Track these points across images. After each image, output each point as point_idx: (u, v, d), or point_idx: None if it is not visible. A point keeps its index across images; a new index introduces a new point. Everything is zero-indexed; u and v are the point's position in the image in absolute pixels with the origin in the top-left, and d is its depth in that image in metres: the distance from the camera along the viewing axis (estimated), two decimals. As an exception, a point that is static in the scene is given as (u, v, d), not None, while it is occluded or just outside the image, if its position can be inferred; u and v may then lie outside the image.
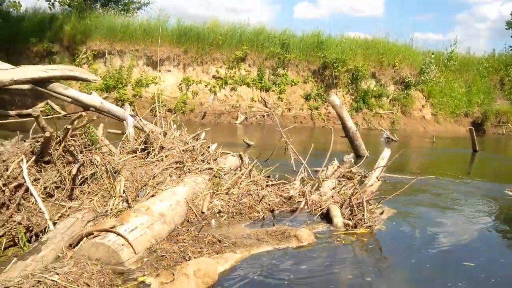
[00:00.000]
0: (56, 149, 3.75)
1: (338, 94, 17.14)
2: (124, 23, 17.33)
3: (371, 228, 4.00)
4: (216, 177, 4.98)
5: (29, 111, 14.99)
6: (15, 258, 2.78)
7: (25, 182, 3.40)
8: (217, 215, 4.13)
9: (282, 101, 17.35)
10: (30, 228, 3.28)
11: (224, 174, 5.17)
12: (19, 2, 15.07)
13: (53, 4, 15.90)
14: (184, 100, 16.83)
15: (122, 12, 18.93)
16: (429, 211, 5.02)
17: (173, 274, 2.74)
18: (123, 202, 3.78)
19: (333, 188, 5.12)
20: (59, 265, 2.70)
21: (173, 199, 3.91)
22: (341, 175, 6.04)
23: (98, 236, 3.00)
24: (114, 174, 3.97)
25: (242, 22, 18.53)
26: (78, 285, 2.52)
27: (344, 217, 4.13)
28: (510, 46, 23.11)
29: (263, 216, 4.26)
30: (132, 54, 16.99)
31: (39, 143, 3.59)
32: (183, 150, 5.15)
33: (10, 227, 3.21)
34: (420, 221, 4.51)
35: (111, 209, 3.65)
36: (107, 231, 3.02)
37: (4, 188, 3.32)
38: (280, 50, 17.39)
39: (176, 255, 3.06)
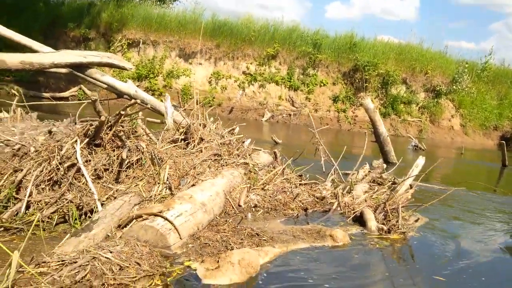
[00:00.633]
0: (107, 133, 3.91)
1: (364, 97, 17.05)
2: (160, 13, 17.59)
3: (405, 234, 4.05)
4: (251, 172, 5.10)
5: (65, 94, 15.38)
6: (68, 234, 2.95)
7: (77, 162, 3.57)
8: (253, 209, 4.24)
9: (309, 101, 17.36)
10: (80, 207, 3.46)
11: (259, 170, 5.28)
12: (61, -12, 15.46)
13: (95, -10, 16.24)
14: (213, 94, 16.99)
15: (158, 2, 19.18)
16: (461, 223, 5.04)
17: (218, 262, 2.86)
18: (166, 189, 3.92)
19: (365, 192, 5.17)
20: (111, 243, 2.85)
21: (213, 190, 4.03)
22: (372, 180, 6.07)
23: (147, 219, 3.15)
24: (159, 161, 4.12)
25: (276, 19, 18.59)
26: (129, 264, 2.66)
27: (378, 222, 4.19)
28: (547, 61, 22.52)
29: (297, 214, 4.36)
30: (166, 45, 17.23)
31: (93, 126, 3.76)
32: (220, 143, 5.27)
33: (62, 205, 3.39)
34: (452, 231, 4.54)
35: (155, 195, 3.80)
36: (155, 215, 3.17)
37: (58, 167, 3.49)
38: (312, 49, 17.39)
39: (218, 244, 3.19)
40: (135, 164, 4.08)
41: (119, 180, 3.86)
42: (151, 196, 3.76)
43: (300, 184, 5.13)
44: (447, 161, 12.36)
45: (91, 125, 3.83)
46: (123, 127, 4.18)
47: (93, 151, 3.83)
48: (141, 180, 3.95)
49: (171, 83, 16.93)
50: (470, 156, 13.81)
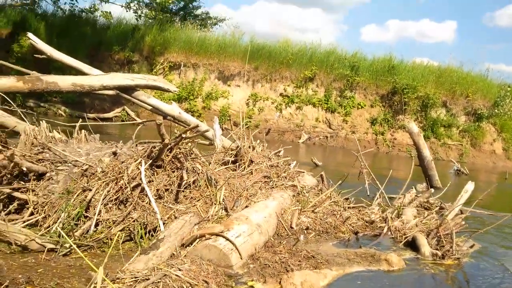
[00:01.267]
0: (167, 155, 4.10)
1: (406, 121, 16.89)
2: (201, 37, 18.12)
3: (459, 260, 4.02)
4: (299, 194, 5.19)
5: (109, 114, 15.92)
6: (138, 252, 3.10)
7: (142, 183, 3.76)
8: (305, 231, 4.31)
9: (346, 123, 17.34)
10: (144, 225, 3.63)
11: (306, 192, 5.36)
12: (110, 13, 16.19)
13: (140, 16, 16.92)
14: (250, 115, 17.23)
15: (199, 27, 19.78)
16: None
17: (280, 283, 2.95)
18: (222, 210, 4.06)
19: (415, 217, 5.15)
20: (179, 262, 2.99)
21: (266, 212, 4.14)
22: (419, 205, 6.03)
23: (209, 238, 3.28)
24: (215, 183, 4.27)
25: (314, 42, 18.80)
26: (198, 282, 2.78)
27: (431, 247, 4.17)
28: None
29: (348, 238, 4.39)
30: (206, 68, 17.68)
31: (156, 148, 3.95)
32: (269, 166, 5.40)
33: (128, 223, 3.57)
34: (506, 258, 4.45)
35: (212, 215, 3.93)
36: (217, 235, 3.29)
37: (125, 187, 3.69)
38: (350, 72, 17.45)
39: (278, 265, 3.27)
40: (192, 185, 4.24)
41: (178, 200, 4.02)
42: (208, 217, 3.90)
43: (348, 207, 5.16)
44: (491, 186, 12.03)
45: (153, 147, 4.02)
46: (180, 149, 4.36)
47: (154, 172, 4.02)
48: (198, 200, 4.10)
49: (210, 105, 17.30)
50: (515, 181, 13.38)
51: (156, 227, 3.63)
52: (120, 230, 3.51)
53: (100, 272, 2.34)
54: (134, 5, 16.32)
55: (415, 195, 6.41)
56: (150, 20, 18.32)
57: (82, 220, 3.49)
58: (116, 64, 17.67)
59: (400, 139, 16.83)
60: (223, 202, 4.12)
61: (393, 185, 6.95)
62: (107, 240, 3.39)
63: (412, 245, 4.30)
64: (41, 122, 4.70)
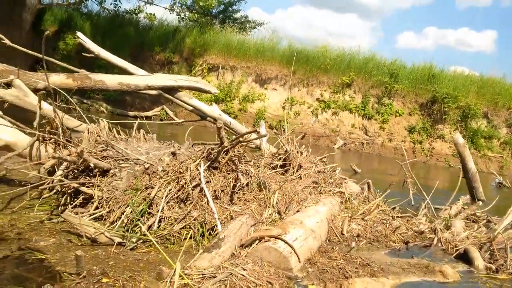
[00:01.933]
0: (223, 157, 4.21)
1: (445, 130, 16.57)
2: (240, 40, 18.30)
3: (514, 275, 3.96)
4: (347, 201, 5.22)
5: (148, 113, 16.25)
6: (201, 250, 3.21)
7: (201, 183, 3.88)
8: (356, 238, 4.33)
9: (383, 130, 17.15)
10: (203, 224, 3.74)
11: (353, 199, 5.38)
12: (154, 14, 16.57)
13: (182, 18, 17.24)
14: (286, 119, 17.25)
15: (238, 30, 19.98)
16: None
17: (340, 288, 2.99)
18: (275, 213, 4.14)
19: (464, 229, 5.09)
20: (241, 262, 3.08)
21: (318, 217, 4.19)
22: (466, 217, 5.94)
23: (269, 241, 3.36)
24: (268, 186, 4.35)
25: (352, 48, 18.70)
26: (262, 282, 2.86)
27: (484, 260, 4.12)
28: None
29: (399, 247, 4.39)
30: (243, 71, 17.84)
31: (215, 151, 4.07)
32: (317, 171, 5.44)
33: (189, 222, 3.69)
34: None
35: (266, 218, 4.02)
36: (276, 237, 3.37)
37: (186, 187, 3.81)
38: (388, 79, 17.26)
39: (335, 271, 3.32)
40: (245, 187, 4.34)
41: (233, 201, 4.12)
42: (262, 219, 3.98)
43: (397, 217, 5.15)
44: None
45: (211, 149, 4.14)
46: (233, 152, 4.46)
47: (211, 173, 4.13)
48: (252, 202, 4.19)
49: (246, 107, 17.45)
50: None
51: (214, 226, 3.74)
52: (181, 228, 3.63)
53: (177, 267, 2.45)
54: (177, 8, 16.61)
55: (461, 207, 6.32)
56: (191, 22, 18.62)
57: (146, 217, 3.63)
58: (156, 64, 18.06)
59: (438, 149, 16.50)
60: (276, 206, 4.19)
61: (434, 195, 6.87)
62: (169, 237, 3.52)
63: (464, 257, 4.26)
64: (101, 121, 4.90)
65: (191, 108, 11.12)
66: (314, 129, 17.35)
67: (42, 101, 6.79)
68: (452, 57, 62.87)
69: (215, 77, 18.06)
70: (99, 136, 4.44)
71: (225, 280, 2.76)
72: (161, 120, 15.49)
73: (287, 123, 7.17)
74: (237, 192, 4.22)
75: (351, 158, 15.17)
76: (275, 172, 5.18)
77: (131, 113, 15.73)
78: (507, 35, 63.21)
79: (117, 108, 15.75)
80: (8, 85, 7.82)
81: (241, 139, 4.11)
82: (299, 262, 3.33)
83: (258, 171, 4.71)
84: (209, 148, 4.21)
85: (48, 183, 3.77)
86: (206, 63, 17.95)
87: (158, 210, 3.60)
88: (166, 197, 3.71)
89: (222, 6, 20.26)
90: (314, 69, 17.79)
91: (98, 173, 3.98)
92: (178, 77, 11.37)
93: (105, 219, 3.69)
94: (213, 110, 10.98)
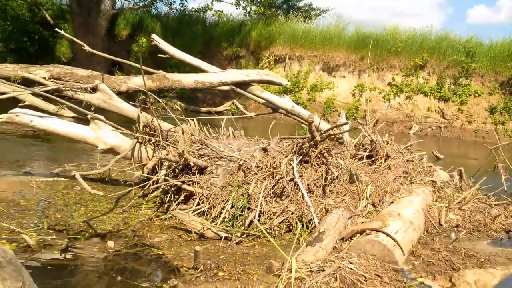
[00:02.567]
0: (313, 151, 4.25)
1: (532, 109, 15.46)
2: (305, 29, 18.17)
3: None
4: (439, 190, 5.07)
5: (219, 108, 16.64)
6: (304, 244, 3.29)
7: (295, 177, 3.95)
8: (455, 229, 4.21)
9: (462, 112, 16.31)
10: (300, 218, 3.82)
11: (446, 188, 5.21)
12: (222, 11, 16.88)
13: (249, 12, 17.42)
14: (357, 106, 16.95)
15: (303, 19, 19.84)
16: None
17: (451, 280, 2.94)
18: (369, 205, 4.12)
19: None
20: (346, 255, 3.12)
21: (413, 208, 4.11)
22: None
23: (370, 234, 3.36)
24: (359, 178, 4.34)
25: (424, 28, 17.91)
26: (371, 276, 2.88)
27: None
28: None
29: (501, 237, 4.21)
30: (310, 60, 17.72)
31: (306, 145, 4.12)
32: (406, 160, 5.33)
33: (287, 216, 3.79)
34: None
35: (361, 210, 4.01)
36: (378, 230, 3.37)
37: (281, 181, 3.91)
38: (465, 58, 16.35)
39: (442, 263, 3.26)
40: (336, 180, 4.35)
41: (325, 194, 4.15)
42: (358, 212, 3.98)
43: (494, 205, 4.93)
44: None
45: (302, 143, 4.20)
46: (322, 144, 4.48)
47: (303, 167, 4.19)
48: (344, 195, 4.20)
49: (315, 97, 17.33)
50: None
51: (310, 219, 3.80)
52: (280, 222, 3.74)
53: (293, 262, 2.54)
54: (243, 2, 16.79)
55: None
56: (255, 15, 18.75)
57: (246, 212, 3.77)
58: (224, 59, 18.40)
59: (524, 130, 15.46)
60: (370, 198, 4.17)
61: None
62: (270, 231, 3.63)
63: None
64: (192, 121, 5.12)
65: (262, 101, 11.23)
66: (386, 115, 16.87)
67: (125, 103, 7.21)
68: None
69: (282, 68, 18.09)
70: (193, 135, 4.65)
71: (334, 273, 2.82)
72: (232, 114, 15.80)
73: (366, 111, 7.05)
74: (328, 185, 4.25)
75: (429, 143, 14.60)
76: (362, 163, 5.14)
77: (203, 109, 16.22)
78: None
79: (190, 105, 16.29)
80: (94, 89, 8.35)
81: (331, 132, 4.12)
82: (403, 254, 3.30)
83: (348, 163, 4.71)
84: (298, 143, 4.27)
85: (154, 182, 4.03)
86: (272, 55, 18.01)
87: (257, 205, 3.72)
88: (263, 192, 3.82)
89: (284, -4, 20.22)
90: (383, 53, 17.27)
91: (196, 171, 4.17)
92: (249, 71, 11.53)
93: (206, 215, 3.87)
94: (286, 102, 11.01)
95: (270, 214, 3.77)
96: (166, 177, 4.01)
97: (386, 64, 17.32)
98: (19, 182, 4.41)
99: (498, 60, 16.39)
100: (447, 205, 4.50)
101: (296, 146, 4.26)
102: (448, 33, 17.48)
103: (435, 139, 15.66)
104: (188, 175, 4.17)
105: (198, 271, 2.84)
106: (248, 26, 18.52)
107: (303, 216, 3.79)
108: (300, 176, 4.07)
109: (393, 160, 5.19)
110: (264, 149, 4.36)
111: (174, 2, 17.72)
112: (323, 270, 2.85)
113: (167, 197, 4.13)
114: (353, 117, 16.59)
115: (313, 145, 4.09)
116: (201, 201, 3.98)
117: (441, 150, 13.51)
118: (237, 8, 16.80)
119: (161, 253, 3.14)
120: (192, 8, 18.07)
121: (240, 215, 3.71)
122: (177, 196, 4.14)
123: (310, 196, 4.00)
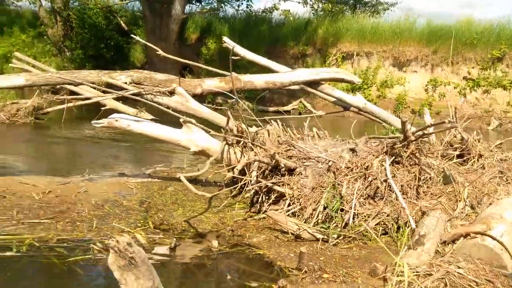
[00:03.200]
0: (405, 151, 4.15)
1: None
2: (373, 24, 17.73)
3: None
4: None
5: (287, 107, 16.68)
6: (406, 247, 3.22)
7: (388, 179, 3.88)
8: None
9: (548, 106, 15.21)
10: (396, 220, 3.75)
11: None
12: (288, 10, 16.94)
13: (316, 10, 17.33)
14: (430, 102, 16.28)
15: (371, 14, 19.38)
16: None
17: None
18: (468, 207, 3.96)
19: None
20: (452, 259, 3.03)
21: (515, 210, 3.90)
22: None
23: (475, 237, 3.24)
24: (455, 179, 4.18)
25: (501, 18, 16.86)
26: (481, 281, 2.77)
27: None
28: None
29: None
30: (379, 55, 17.26)
31: (398, 145, 4.04)
32: (500, 159, 5.06)
33: (382, 218, 3.74)
34: None
35: (459, 213, 3.87)
36: (483, 234, 3.23)
37: (374, 183, 3.86)
38: (551, 48, 15.23)
39: (558, 270, 3.07)
40: (429, 180, 4.23)
41: (419, 196, 4.05)
42: (456, 214, 3.84)
43: None
44: None
45: (393, 143, 4.12)
46: (415, 145, 4.37)
47: (395, 168, 4.11)
48: (439, 196, 4.07)
49: (385, 93, 16.87)
50: None
51: (406, 222, 3.72)
52: (376, 224, 3.69)
53: (405, 266, 2.51)
54: (311, 0, 16.71)
55: None
56: (321, 13, 18.58)
57: (339, 213, 3.76)
58: (291, 58, 18.37)
59: None
60: (467, 199, 4.01)
61: None
62: (366, 233, 3.60)
63: None
64: (274, 122, 5.19)
65: (333, 99, 11.10)
66: (463, 111, 16.06)
67: (200, 105, 7.42)
68: None
69: (350, 65, 17.77)
70: (279, 136, 4.71)
71: (442, 278, 2.75)
72: (299, 113, 15.79)
73: (450, 108, 6.77)
74: (421, 186, 4.14)
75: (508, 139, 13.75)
76: (453, 163, 4.95)
77: (271, 109, 16.35)
78: None
79: (258, 105, 16.45)
80: (171, 92, 8.68)
81: (425, 132, 4.01)
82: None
83: (441, 163, 4.55)
84: (389, 143, 4.20)
85: (247, 183, 4.13)
86: (340, 52, 17.74)
87: (351, 207, 3.71)
88: (356, 193, 3.80)
89: (351, -9, 19.83)
90: (458, 46, 16.44)
91: (285, 172, 4.22)
92: (319, 70, 11.44)
93: (297, 216, 3.91)
94: (358, 100, 10.79)
95: (365, 216, 3.73)
96: (258, 179, 4.09)
97: (461, 57, 16.49)
98: (118, 183, 4.70)
99: None
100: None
101: (386, 146, 4.19)
102: (531, 22, 16.33)
103: (517, 135, 14.72)
104: (277, 176, 4.23)
105: (303, 272, 2.88)
106: (314, 24, 18.36)
107: (399, 218, 3.72)
108: (393, 177, 4.00)
109: (487, 160, 4.95)
110: (352, 150, 4.33)
111: (242, 3, 17.97)
112: (431, 275, 2.78)
113: (257, 197, 4.22)
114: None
115: (406, 145, 4.00)
116: (292, 202, 4.02)
117: (525, 147, 12.71)
118: (304, 7, 16.75)
119: (262, 253, 3.22)
120: (259, 9, 18.24)
121: (336, 216, 3.71)
122: (267, 197, 4.21)
123: (404, 198, 3.91)
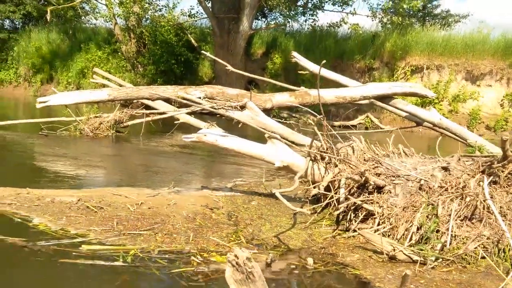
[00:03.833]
0: (502, 171, 3.94)
1: None
2: (445, 37, 17.15)
3: None
4: None
5: (353, 122, 16.47)
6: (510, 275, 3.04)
7: (486, 199, 3.70)
8: None
9: None
10: (496, 244, 3.56)
11: None
12: (357, 24, 16.78)
13: (385, 24, 17.06)
14: (506, 118, 15.43)
15: (441, 26, 18.77)
16: None
17: None
18: None
19: None
20: None
21: None
22: None
23: None
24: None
25: None
26: None
27: None
28: None
29: None
30: (451, 69, 16.62)
31: (496, 164, 3.84)
32: None
33: (482, 240, 3.55)
34: None
35: None
36: None
37: (471, 203, 3.69)
38: None
39: None
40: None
41: (520, 219, 3.81)
42: None
43: None
44: None
45: (491, 162, 3.92)
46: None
47: (493, 189, 3.91)
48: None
49: (457, 108, 16.20)
50: None
51: (507, 245, 3.52)
52: (475, 247, 3.52)
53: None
54: (379, 14, 16.47)
55: None
56: (388, 26, 18.23)
57: (435, 234, 3.62)
58: (357, 72, 18.15)
59: None
60: None
61: None
62: (465, 256, 3.44)
63: None
64: (357, 138, 5.13)
65: (405, 114, 10.80)
66: (543, 127, 15.08)
67: (270, 119, 7.47)
68: None
69: (419, 79, 17.26)
70: (365, 153, 4.64)
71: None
72: (366, 128, 15.51)
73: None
74: (523, 209, 3.89)
75: None
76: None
77: (336, 123, 16.17)
78: None
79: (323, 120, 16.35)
80: (242, 107, 8.84)
81: (527, 151, 3.78)
82: None
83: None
84: (485, 162, 4.01)
85: (334, 200, 4.10)
86: (408, 65, 17.28)
87: (448, 228, 3.56)
88: (453, 214, 3.65)
89: (421, 4, 19.29)
90: (537, 58, 15.54)
91: (373, 190, 4.15)
92: (391, 84, 11.16)
93: (388, 235, 3.81)
94: (432, 115, 10.41)
95: (463, 238, 3.57)
96: (347, 196, 4.05)
97: (541, 70, 15.55)
98: (204, 196, 4.82)
99: None
100: None
101: (483, 165, 4.00)
102: None
103: None
104: (365, 194, 4.16)
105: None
106: (382, 37, 18.04)
107: (499, 241, 3.53)
108: (491, 197, 3.80)
109: None
110: (445, 168, 4.17)
111: (307, 20, 18.05)
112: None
113: (344, 215, 4.17)
114: (502, 129, 15.15)
115: (506, 164, 3.80)
116: (382, 221, 3.93)
117: None
118: (372, 20, 16.53)
119: (358, 273, 3.16)
120: (327, 23, 18.24)
121: (431, 238, 3.58)
122: (354, 215, 4.15)
123: (503, 220, 3.70)
